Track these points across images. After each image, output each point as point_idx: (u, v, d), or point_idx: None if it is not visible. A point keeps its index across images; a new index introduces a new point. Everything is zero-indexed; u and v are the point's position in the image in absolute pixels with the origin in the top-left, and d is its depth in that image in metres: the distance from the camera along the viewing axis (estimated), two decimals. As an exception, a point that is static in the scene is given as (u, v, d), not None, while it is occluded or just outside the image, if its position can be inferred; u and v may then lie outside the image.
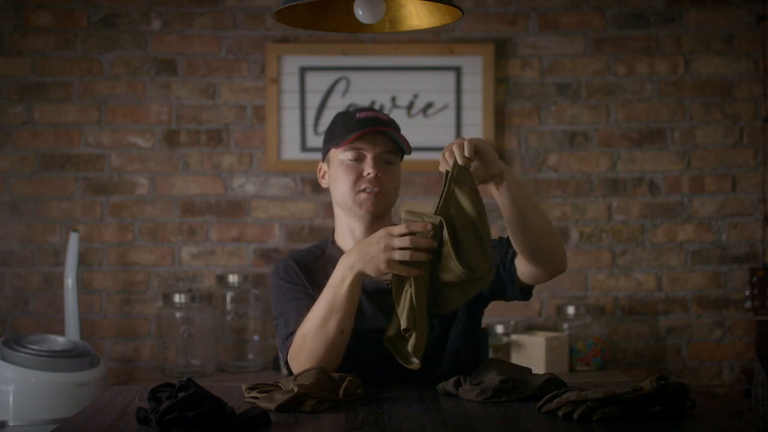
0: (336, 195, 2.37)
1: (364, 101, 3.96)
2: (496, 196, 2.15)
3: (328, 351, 2.15)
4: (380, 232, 2.09)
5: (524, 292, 2.32)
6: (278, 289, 2.37)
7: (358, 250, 2.12)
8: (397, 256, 2.04)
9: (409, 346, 2.06)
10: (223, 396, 1.90)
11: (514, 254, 2.27)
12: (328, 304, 2.15)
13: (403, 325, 2.05)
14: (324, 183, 2.43)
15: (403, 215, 2.11)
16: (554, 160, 4.02)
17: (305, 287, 2.34)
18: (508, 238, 2.30)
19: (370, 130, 2.30)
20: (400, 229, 2.06)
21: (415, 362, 2.07)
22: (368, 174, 2.31)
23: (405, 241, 2.04)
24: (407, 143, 2.34)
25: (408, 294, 2.05)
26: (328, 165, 2.40)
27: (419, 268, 2.05)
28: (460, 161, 2.07)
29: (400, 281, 2.07)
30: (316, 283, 2.33)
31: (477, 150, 2.08)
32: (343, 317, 2.14)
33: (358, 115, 2.36)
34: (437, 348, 2.32)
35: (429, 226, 2.04)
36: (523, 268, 2.26)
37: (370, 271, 2.09)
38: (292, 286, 2.35)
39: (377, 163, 2.32)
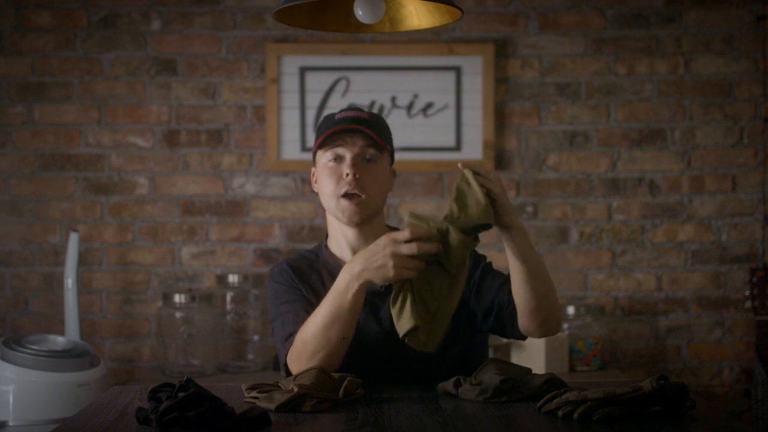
0: (322, 200, 2.33)
1: (364, 101, 3.96)
2: (505, 243, 2.11)
3: (328, 356, 2.12)
4: (385, 239, 2.04)
5: (522, 334, 2.27)
6: (274, 292, 2.35)
7: (364, 258, 2.07)
8: (406, 264, 2.00)
9: (419, 343, 2.00)
10: (223, 396, 1.90)
11: None
12: (332, 311, 2.10)
13: (411, 323, 1.99)
14: (315, 187, 2.38)
15: (406, 218, 2.07)
16: (554, 160, 4.02)
17: (300, 290, 2.32)
18: None
19: (341, 128, 2.25)
20: (406, 234, 2.01)
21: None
22: (346, 175, 2.25)
23: (412, 248, 1.99)
24: (384, 142, 2.29)
25: (408, 294, 2.01)
26: (317, 169, 2.35)
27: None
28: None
29: (401, 283, 2.03)
30: (310, 286, 2.32)
31: (491, 197, 2.02)
32: (345, 325, 2.11)
33: (338, 115, 2.32)
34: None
35: (434, 231, 2.00)
36: (520, 319, 2.20)
37: (378, 280, 2.05)
38: (288, 289, 2.33)
39: (356, 162, 2.26)
